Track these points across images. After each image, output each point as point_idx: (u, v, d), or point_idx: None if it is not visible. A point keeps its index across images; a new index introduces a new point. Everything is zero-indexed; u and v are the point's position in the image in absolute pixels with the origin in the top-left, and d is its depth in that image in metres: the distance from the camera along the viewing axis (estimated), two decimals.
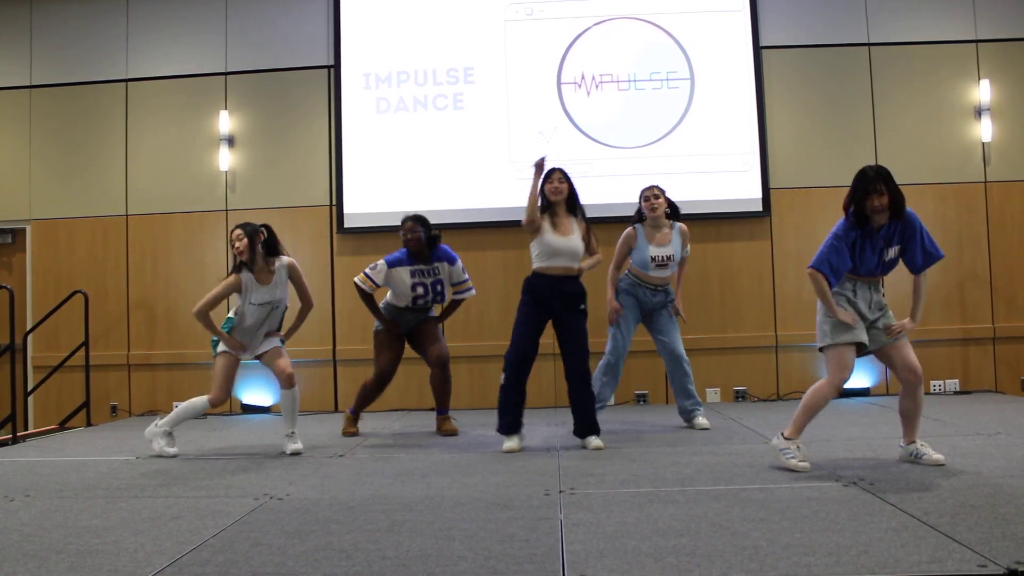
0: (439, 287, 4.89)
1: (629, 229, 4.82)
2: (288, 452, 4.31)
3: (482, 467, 3.79)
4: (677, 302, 4.93)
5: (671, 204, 4.88)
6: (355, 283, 4.84)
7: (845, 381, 3.46)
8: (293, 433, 4.37)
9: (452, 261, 4.91)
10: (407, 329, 5.02)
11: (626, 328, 4.84)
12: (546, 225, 4.24)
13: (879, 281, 3.54)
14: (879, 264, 3.45)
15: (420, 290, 4.83)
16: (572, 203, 4.32)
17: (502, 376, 4.27)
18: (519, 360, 4.20)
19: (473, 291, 5.06)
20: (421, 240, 4.78)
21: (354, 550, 2.46)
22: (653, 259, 4.72)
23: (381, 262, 4.82)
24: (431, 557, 2.36)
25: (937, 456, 3.46)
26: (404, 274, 4.81)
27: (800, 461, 3.43)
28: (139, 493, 3.40)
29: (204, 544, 2.57)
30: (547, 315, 4.27)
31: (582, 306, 4.27)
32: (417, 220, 4.82)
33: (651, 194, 4.81)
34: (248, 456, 4.32)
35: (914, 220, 3.43)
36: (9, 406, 5.38)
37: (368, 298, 4.85)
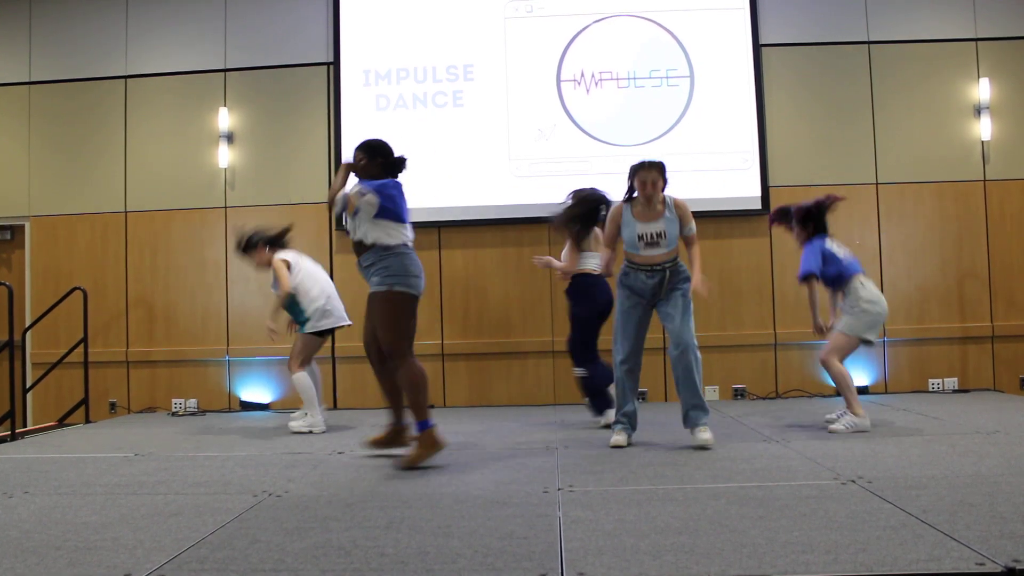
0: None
1: (616, 205, 4.24)
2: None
3: (480, 464, 3.79)
4: (695, 282, 4.05)
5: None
6: (348, 195, 3.80)
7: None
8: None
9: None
10: None
11: (624, 331, 4.19)
12: None
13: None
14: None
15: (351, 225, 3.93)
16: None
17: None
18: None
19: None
20: (369, 172, 3.91)
21: (352, 547, 2.46)
22: (641, 237, 4.08)
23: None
24: (429, 554, 2.36)
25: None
26: None
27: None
28: (138, 490, 3.40)
29: (203, 541, 2.57)
30: None
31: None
32: (365, 149, 3.94)
33: (649, 180, 4.07)
34: (247, 453, 4.32)
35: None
36: (8, 403, 5.38)
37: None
